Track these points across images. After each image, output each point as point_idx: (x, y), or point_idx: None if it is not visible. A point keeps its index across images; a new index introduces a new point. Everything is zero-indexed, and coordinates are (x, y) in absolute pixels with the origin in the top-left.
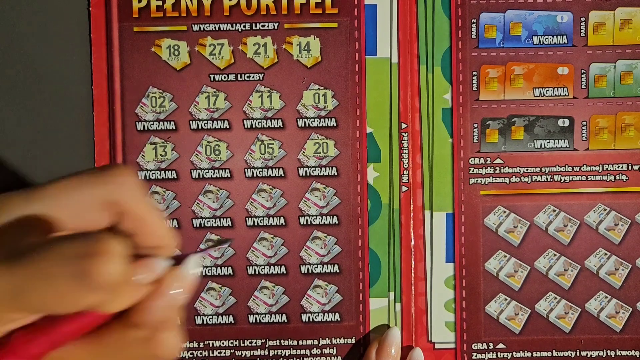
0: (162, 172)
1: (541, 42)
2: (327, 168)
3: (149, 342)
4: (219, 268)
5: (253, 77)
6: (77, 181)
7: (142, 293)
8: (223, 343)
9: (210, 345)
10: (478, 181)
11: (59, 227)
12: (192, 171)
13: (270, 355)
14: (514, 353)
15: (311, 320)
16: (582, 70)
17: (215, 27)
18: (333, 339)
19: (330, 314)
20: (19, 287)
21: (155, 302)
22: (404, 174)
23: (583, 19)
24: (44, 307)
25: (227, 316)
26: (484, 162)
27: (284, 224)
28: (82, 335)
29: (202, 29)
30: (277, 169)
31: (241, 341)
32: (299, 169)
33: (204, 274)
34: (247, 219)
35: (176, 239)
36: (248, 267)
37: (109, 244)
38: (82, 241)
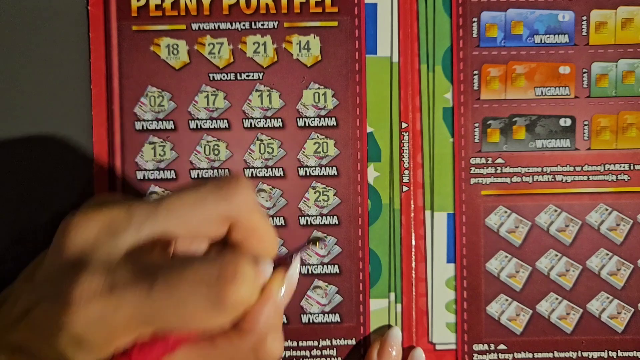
0: (161, 172)
1: (542, 41)
2: (327, 168)
3: (256, 348)
4: None
5: (252, 76)
6: (199, 197)
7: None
8: None
9: None
10: (479, 181)
11: (177, 238)
12: (191, 171)
13: None
14: (515, 354)
15: (311, 321)
16: (584, 70)
17: (214, 26)
18: (333, 340)
19: (330, 314)
20: (154, 310)
21: (264, 307)
22: (404, 174)
23: (584, 18)
24: (175, 327)
25: None
26: (485, 162)
27: (283, 224)
28: (194, 341)
29: (201, 28)
30: (276, 169)
31: None
32: (299, 168)
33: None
34: None
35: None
36: None
37: (243, 268)
38: (215, 265)
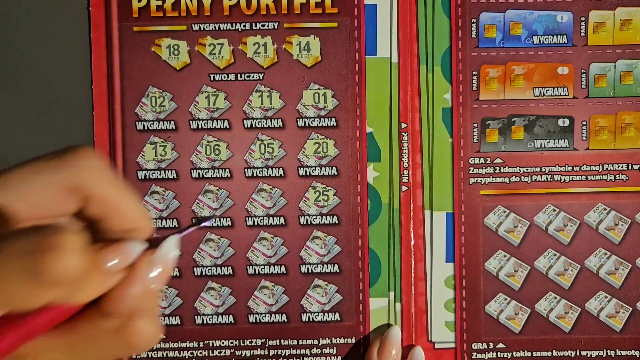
0: (162, 171)
1: (541, 42)
2: (327, 168)
3: (121, 331)
4: (219, 268)
5: (253, 76)
6: (36, 167)
7: (115, 280)
8: (223, 343)
9: (210, 345)
10: (478, 181)
11: (19, 217)
12: (192, 171)
13: (270, 355)
14: (514, 353)
15: (311, 320)
16: (582, 70)
17: (215, 27)
18: (333, 338)
19: (330, 313)
20: None
21: (128, 289)
22: (403, 174)
23: (583, 19)
24: (3, 304)
25: (227, 316)
26: (484, 162)
27: (283, 223)
28: (55, 326)
29: (202, 29)
30: (277, 169)
31: (241, 341)
32: (299, 168)
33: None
34: (247, 218)
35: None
36: (248, 267)
37: (62, 237)
38: (32, 236)
